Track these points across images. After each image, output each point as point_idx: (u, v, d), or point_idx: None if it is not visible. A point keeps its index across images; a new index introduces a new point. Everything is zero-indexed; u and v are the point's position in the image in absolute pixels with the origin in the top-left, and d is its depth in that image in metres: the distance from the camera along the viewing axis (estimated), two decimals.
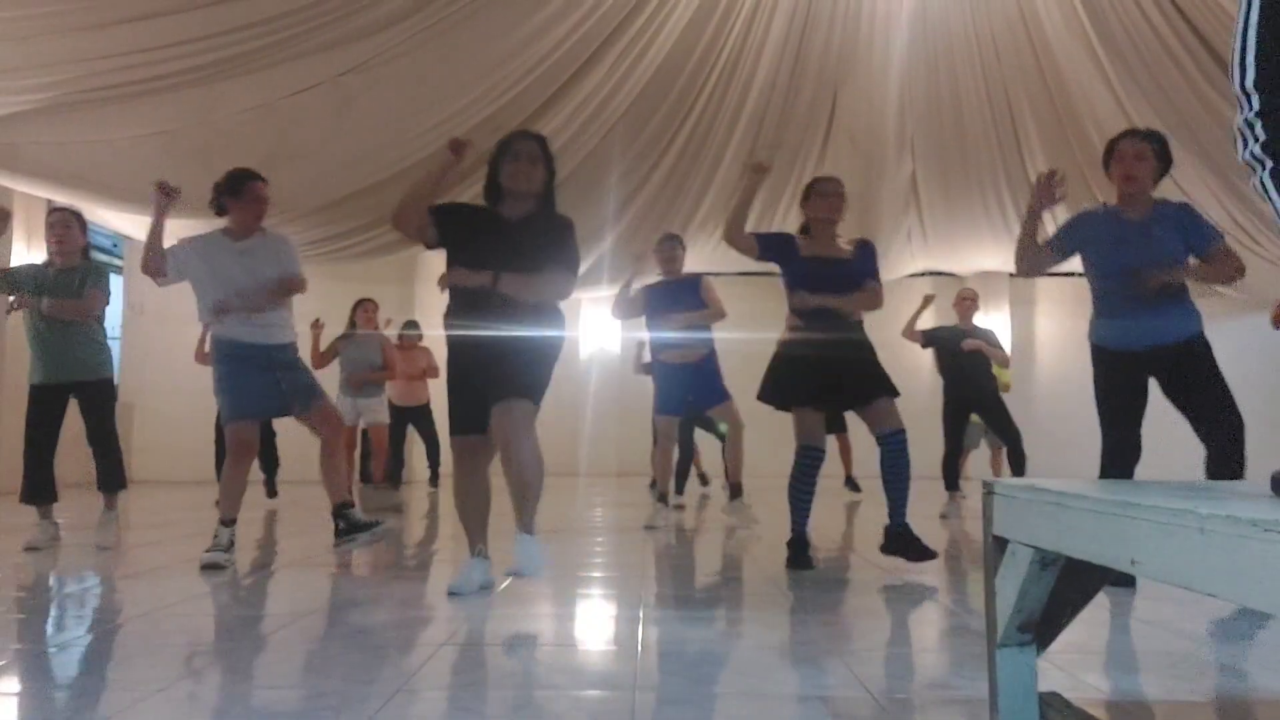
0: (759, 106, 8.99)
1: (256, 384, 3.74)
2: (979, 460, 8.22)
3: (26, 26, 5.82)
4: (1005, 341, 8.46)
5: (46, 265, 4.39)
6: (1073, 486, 1.32)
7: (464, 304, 3.05)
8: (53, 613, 2.79)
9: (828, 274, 3.58)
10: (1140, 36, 7.76)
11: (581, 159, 8.61)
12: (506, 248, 3.01)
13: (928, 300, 6.40)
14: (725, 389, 5.28)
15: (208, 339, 4.31)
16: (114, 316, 9.97)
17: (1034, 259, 3.32)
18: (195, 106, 6.92)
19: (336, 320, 6.99)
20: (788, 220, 8.66)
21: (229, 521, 3.68)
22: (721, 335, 5.27)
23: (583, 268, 3.70)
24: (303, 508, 6.35)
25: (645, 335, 5.58)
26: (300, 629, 2.48)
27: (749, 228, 3.64)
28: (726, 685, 1.92)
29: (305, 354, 4.41)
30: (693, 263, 6.81)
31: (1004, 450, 6.38)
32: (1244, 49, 1.14)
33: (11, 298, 4.40)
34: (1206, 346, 3.14)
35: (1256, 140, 1.15)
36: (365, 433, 7.25)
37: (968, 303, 6.32)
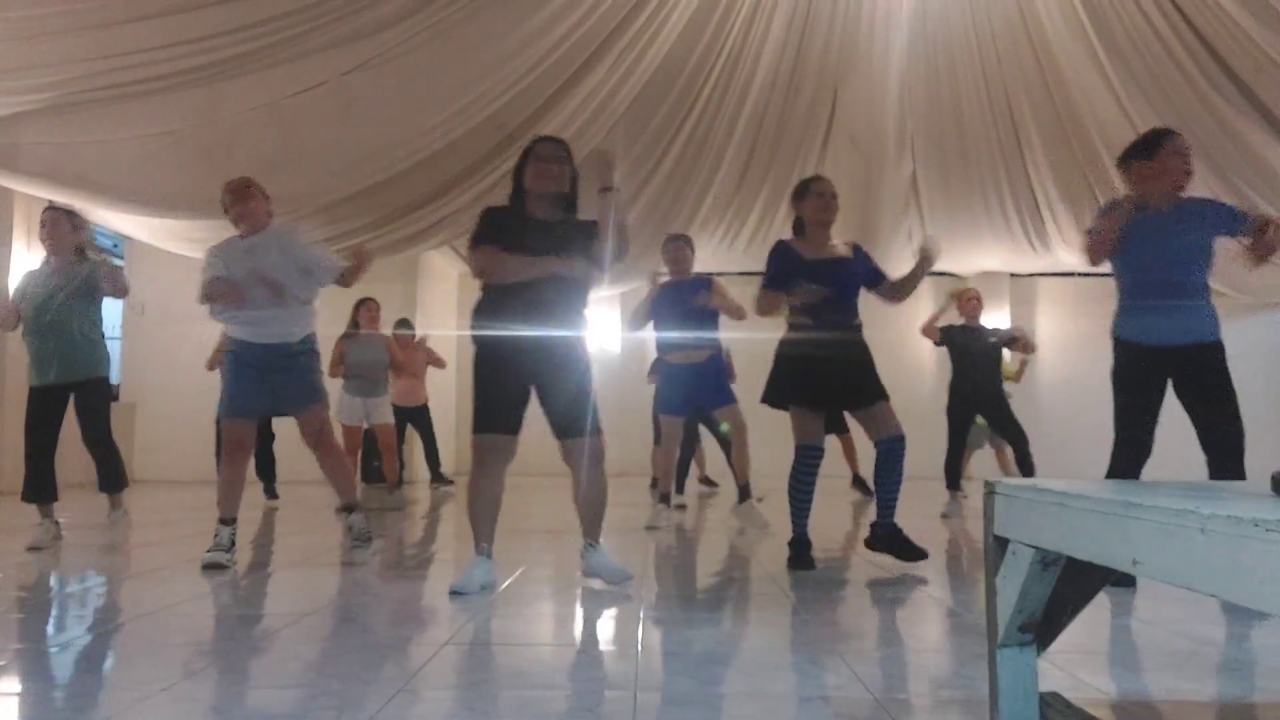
0: (759, 106, 8.98)
1: (250, 382, 3.78)
2: (980, 460, 8.22)
3: (29, 27, 5.83)
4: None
5: (44, 264, 4.46)
6: (1074, 486, 1.32)
7: (499, 302, 3.09)
8: (54, 612, 2.79)
9: (833, 275, 3.58)
10: (1141, 37, 7.76)
11: (582, 159, 8.59)
12: (549, 242, 3.09)
13: (951, 299, 6.49)
14: (730, 390, 5.26)
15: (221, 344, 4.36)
16: (114, 316, 9.99)
17: (1114, 246, 3.20)
18: (198, 106, 6.91)
19: (337, 321, 6.97)
20: (787, 222, 8.65)
21: (229, 521, 3.68)
22: (722, 335, 5.26)
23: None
24: (303, 507, 6.35)
25: (652, 336, 5.54)
26: (301, 628, 2.48)
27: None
28: (728, 685, 1.93)
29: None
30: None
31: (1008, 450, 6.41)
32: None
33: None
34: (1222, 352, 3.12)
35: None
36: (369, 433, 7.22)
37: (974, 302, 6.37)
